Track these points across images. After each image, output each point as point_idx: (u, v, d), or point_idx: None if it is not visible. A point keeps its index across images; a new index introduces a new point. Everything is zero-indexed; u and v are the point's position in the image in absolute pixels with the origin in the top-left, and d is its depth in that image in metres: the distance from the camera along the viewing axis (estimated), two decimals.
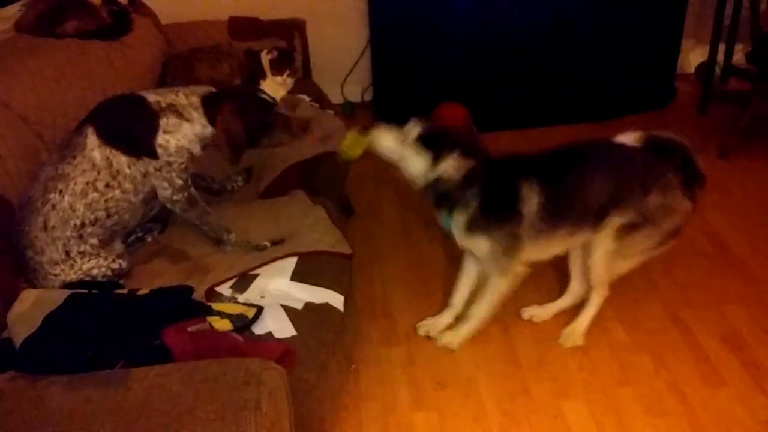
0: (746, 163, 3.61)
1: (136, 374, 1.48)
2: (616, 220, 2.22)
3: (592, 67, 4.04)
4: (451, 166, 2.12)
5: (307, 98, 3.14)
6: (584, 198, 2.22)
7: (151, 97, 2.12)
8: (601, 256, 2.29)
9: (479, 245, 2.24)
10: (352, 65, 4.30)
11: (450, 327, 2.52)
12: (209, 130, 2.15)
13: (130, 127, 2.11)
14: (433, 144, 2.13)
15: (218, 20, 3.45)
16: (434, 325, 2.56)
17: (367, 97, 4.40)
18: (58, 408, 1.43)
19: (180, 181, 2.17)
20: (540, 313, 2.62)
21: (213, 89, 2.22)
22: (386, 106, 4.12)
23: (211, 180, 2.55)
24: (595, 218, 2.23)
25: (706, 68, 4.17)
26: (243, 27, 3.42)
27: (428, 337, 2.54)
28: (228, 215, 2.29)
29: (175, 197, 2.18)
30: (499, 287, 2.34)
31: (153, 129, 2.09)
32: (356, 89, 4.39)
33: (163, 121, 2.10)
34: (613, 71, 4.09)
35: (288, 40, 3.42)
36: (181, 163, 2.15)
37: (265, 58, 3.15)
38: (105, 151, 2.06)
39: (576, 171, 2.22)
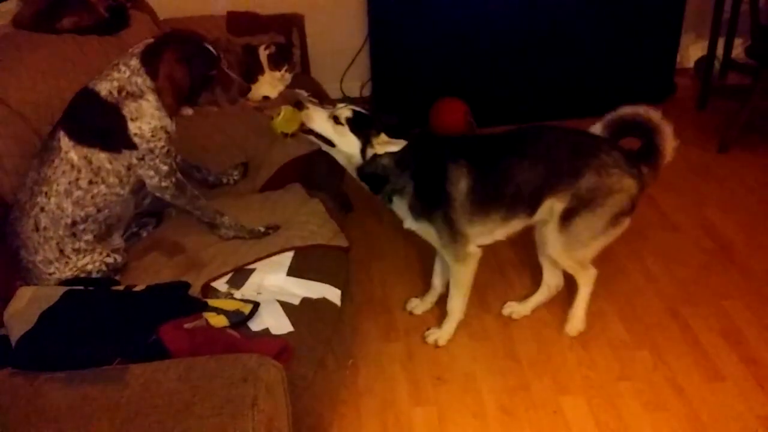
0: (746, 157, 3.60)
1: (133, 371, 1.48)
2: (556, 206, 2.22)
3: (591, 61, 4.03)
4: (380, 148, 2.11)
5: (305, 93, 3.14)
6: (513, 182, 2.21)
7: (102, 88, 2.06)
8: (554, 247, 2.30)
9: (426, 231, 2.28)
10: (351, 60, 4.29)
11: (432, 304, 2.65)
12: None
13: (98, 125, 2.07)
14: (361, 126, 2.12)
15: (216, 15, 3.45)
16: (420, 304, 2.65)
17: (366, 93, 4.39)
18: (54, 404, 1.43)
19: (165, 167, 2.15)
20: (519, 309, 2.62)
21: (151, 40, 2.13)
22: (385, 102, 4.11)
23: (207, 172, 2.54)
24: (529, 203, 2.23)
25: (705, 63, 4.16)
26: (241, 22, 3.41)
27: (411, 313, 2.65)
28: (223, 207, 2.28)
29: (163, 184, 2.17)
30: (460, 274, 2.37)
31: (121, 122, 2.06)
32: (355, 85, 4.38)
33: (126, 111, 2.06)
34: (612, 66, 4.08)
35: (286, 35, 3.41)
36: (162, 147, 2.13)
37: (263, 53, 3.14)
38: (81, 151, 2.04)
39: (506, 155, 2.23)
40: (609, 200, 2.19)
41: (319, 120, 2.13)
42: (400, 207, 2.26)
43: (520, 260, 2.88)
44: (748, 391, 2.22)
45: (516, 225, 2.31)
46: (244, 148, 2.71)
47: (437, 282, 2.62)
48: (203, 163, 2.55)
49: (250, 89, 2.25)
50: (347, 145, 2.13)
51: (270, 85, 3.13)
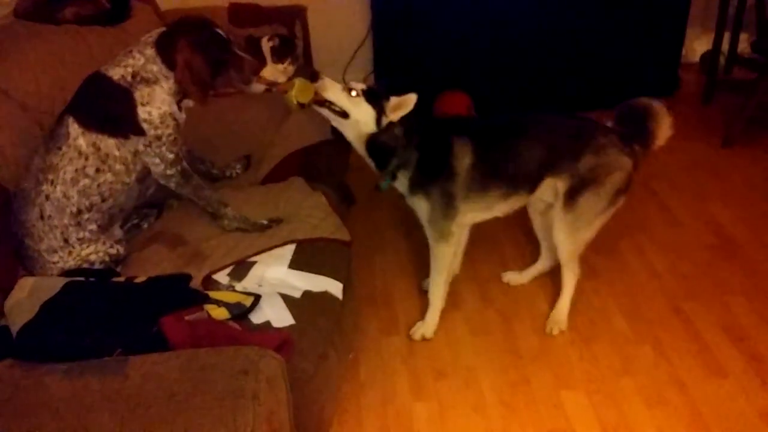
0: (750, 152, 3.59)
1: (133, 362, 1.48)
2: (559, 187, 2.29)
3: (596, 55, 4.02)
4: (393, 115, 2.19)
5: None
6: (515, 161, 2.29)
7: (115, 72, 2.08)
8: (561, 228, 2.35)
9: (420, 205, 2.32)
10: (354, 52, 4.28)
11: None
12: (173, 77, 2.10)
13: (108, 109, 2.08)
14: (375, 98, 2.19)
15: (218, 6, 3.42)
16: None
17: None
18: (55, 395, 1.43)
19: (171, 155, 2.15)
20: (517, 277, 2.71)
21: (164, 29, 2.15)
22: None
23: (210, 164, 2.54)
24: (530, 182, 2.30)
25: (710, 57, 4.14)
26: (243, 13, 3.39)
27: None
28: (226, 198, 2.27)
29: (168, 172, 2.17)
30: (440, 254, 2.40)
31: (131, 106, 2.07)
32: (358, 77, 4.35)
33: (137, 95, 2.07)
34: (617, 60, 4.06)
35: (289, 26, 3.39)
36: (170, 135, 2.13)
37: (266, 45, 3.12)
38: (90, 137, 2.05)
39: (508, 136, 2.30)
40: (609, 178, 2.27)
41: (333, 90, 2.17)
42: (402, 182, 2.30)
43: (522, 256, 2.88)
44: (750, 388, 2.22)
45: (515, 202, 2.37)
46: (246, 141, 2.70)
47: (454, 262, 2.64)
48: (207, 155, 2.54)
49: (261, 68, 2.25)
50: (363, 114, 2.18)
51: (272, 77, 3.11)
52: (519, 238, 2.95)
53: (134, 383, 1.42)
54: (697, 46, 4.60)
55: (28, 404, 1.42)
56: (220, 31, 2.17)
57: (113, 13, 2.87)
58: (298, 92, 2.11)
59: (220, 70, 2.15)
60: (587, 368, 2.33)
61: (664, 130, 2.29)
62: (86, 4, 2.74)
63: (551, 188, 2.32)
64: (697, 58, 4.61)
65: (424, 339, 2.49)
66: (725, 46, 4.16)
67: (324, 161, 2.58)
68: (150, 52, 2.09)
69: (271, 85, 2.34)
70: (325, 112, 2.19)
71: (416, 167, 2.25)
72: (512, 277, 2.73)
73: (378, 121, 2.19)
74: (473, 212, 2.36)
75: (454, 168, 2.24)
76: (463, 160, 2.24)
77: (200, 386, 1.40)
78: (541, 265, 2.70)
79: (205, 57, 2.09)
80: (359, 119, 2.19)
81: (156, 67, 2.09)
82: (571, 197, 2.28)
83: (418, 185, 2.28)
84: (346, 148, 2.74)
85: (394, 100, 2.19)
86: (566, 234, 2.35)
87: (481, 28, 3.86)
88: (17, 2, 2.75)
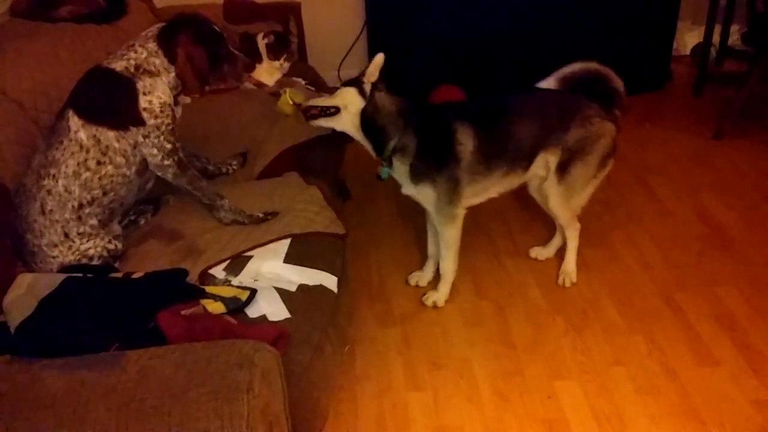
0: (741, 144, 3.61)
1: (129, 356, 1.49)
2: (550, 161, 2.39)
3: (587, 48, 3.94)
4: (381, 98, 2.29)
5: (302, 81, 3.14)
6: (513, 140, 2.37)
7: (118, 65, 2.11)
8: (556, 199, 2.49)
9: (425, 194, 2.38)
10: (349, 48, 4.29)
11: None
12: (173, 71, 2.16)
13: (111, 101, 2.11)
14: (352, 80, 2.33)
15: (213, 3, 3.44)
16: (423, 276, 2.74)
17: None
18: (51, 390, 1.43)
19: (169, 145, 2.17)
20: (543, 252, 2.82)
21: (163, 23, 2.19)
22: None
23: (206, 161, 2.55)
24: (526, 159, 2.42)
25: (701, 50, 4.16)
26: (238, 10, 3.41)
27: (417, 285, 2.74)
28: (222, 193, 2.28)
29: (165, 162, 2.18)
30: (451, 236, 2.49)
31: (134, 96, 2.10)
32: (353, 72, 4.32)
33: (140, 85, 2.10)
34: (608, 53, 3.98)
35: (284, 23, 3.41)
36: (168, 125, 2.15)
37: (261, 42, 3.14)
38: (90, 130, 2.06)
39: (505, 116, 2.40)
40: (596, 146, 2.40)
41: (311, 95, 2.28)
42: (400, 169, 2.35)
43: (516, 248, 2.90)
44: (741, 376, 2.24)
45: (513, 181, 2.47)
46: (241, 138, 2.72)
47: (434, 250, 2.69)
48: (202, 152, 2.56)
49: (254, 66, 2.30)
50: (346, 95, 2.29)
51: (268, 73, 3.13)
52: (512, 229, 2.98)
53: (130, 377, 1.43)
54: (688, 38, 4.62)
55: (25, 399, 1.43)
56: (215, 27, 2.22)
57: (109, 10, 2.89)
58: (292, 93, 2.17)
59: (214, 66, 2.20)
60: (580, 358, 2.35)
61: (620, 84, 2.47)
62: (82, 2, 2.76)
63: (543, 163, 2.42)
64: (688, 51, 4.64)
65: (435, 306, 2.60)
66: (716, 38, 4.18)
67: (319, 157, 2.60)
68: (152, 45, 2.13)
69: (260, 85, 2.38)
70: (322, 122, 2.31)
71: (417, 154, 2.30)
72: (539, 252, 2.82)
73: (361, 92, 2.27)
74: (474, 195, 2.43)
75: (458, 153, 2.30)
76: (467, 144, 2.31)
77: (196, 380, 1.41)
78: (559, 239, 2.79)
79: (205, 50, 2.15)
80: (346, 103, 2.28)
81: (158, 61, 2.13)
82: (563, 169, 2.41)
83: (421, 173, 2.33)
84: (340, 143, 2.77)
85: (384, 93, 2.29)
86: (561, 203, 2.48)
87: (474, 23, 3.88)
88: (13, 1, 2.76)
